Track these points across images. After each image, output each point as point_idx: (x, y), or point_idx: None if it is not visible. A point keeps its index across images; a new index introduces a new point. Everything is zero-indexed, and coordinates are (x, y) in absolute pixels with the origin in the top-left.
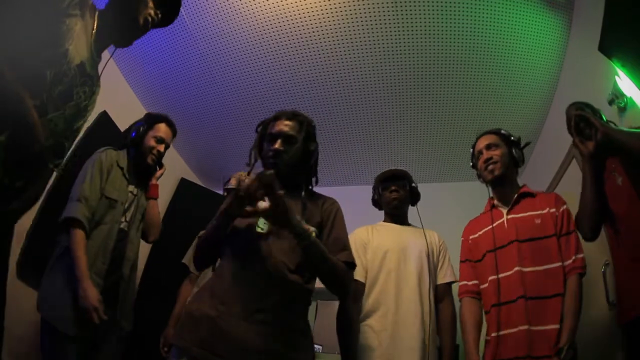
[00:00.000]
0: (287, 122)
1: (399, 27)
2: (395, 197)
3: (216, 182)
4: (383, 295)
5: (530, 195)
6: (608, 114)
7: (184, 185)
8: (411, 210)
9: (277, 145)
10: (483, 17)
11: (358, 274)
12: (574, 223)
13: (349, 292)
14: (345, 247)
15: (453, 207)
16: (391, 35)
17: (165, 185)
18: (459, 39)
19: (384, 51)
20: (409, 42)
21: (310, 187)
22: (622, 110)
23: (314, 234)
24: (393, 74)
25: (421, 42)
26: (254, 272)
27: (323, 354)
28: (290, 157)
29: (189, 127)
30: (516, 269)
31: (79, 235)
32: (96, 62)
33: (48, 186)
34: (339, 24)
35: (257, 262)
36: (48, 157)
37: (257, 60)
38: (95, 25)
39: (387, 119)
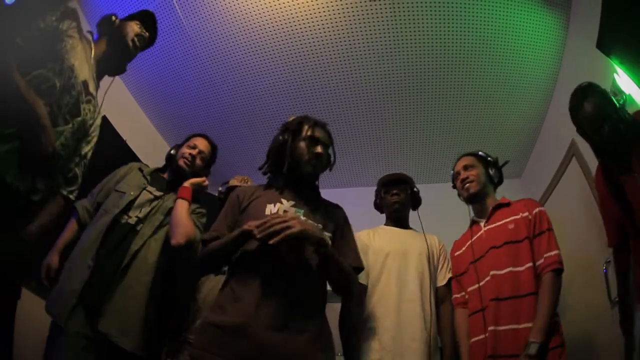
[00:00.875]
0: (324, 133)
1: (398, 29)
2: (397, 201)
3: (215, 185)
4: (385, 296)
5: (506, 205)
6: None
7: None
8: (412, 215)
9: (320, 150)
10: (481, 17)
11: (360, 276)
12: (547, 223)
13: (354, 294)
14: (355, 251)
15: (453, 207)
16: (391, 38)
17: None
18: (457, 39)
19: (383, 52)
20: (408, 44)
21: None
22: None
23: (329, 243)
24: (393, 75)
25: (421, 43)
26: (284, 279)
27: None
28: (323, 166)
29: (190, 130)
30: (492, 273)
31: (72, 223)
32: (96, 87)
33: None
34: (339, 28)
35: (285, 269)
36: (57, 179)
37: (257, 65)
38: (93, 53)
39: (388, 120)
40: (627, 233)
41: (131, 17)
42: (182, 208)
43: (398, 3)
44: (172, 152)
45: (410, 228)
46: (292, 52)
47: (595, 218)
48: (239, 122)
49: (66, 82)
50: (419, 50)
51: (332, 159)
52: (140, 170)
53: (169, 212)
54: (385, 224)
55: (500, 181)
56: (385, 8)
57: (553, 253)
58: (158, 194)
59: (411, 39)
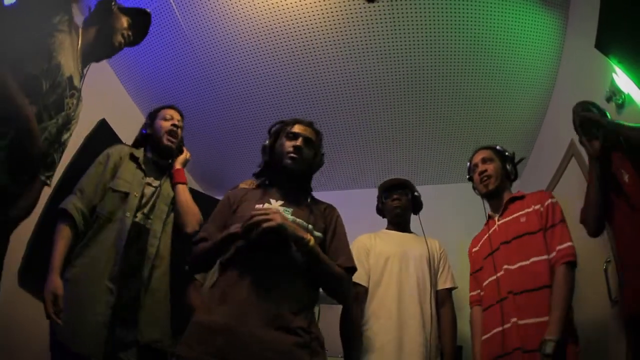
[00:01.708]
0: (306, 128)
1: (397, 30)
2: (398, 205)
3: (216, 188)
4: (385, 299)
5: (520, 198)
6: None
7: None
8: (414, 219)
9: (299, 143)
10: (479, 18)
11: (361, 278)
12: (560, 214)
13: (348, 297)
14: (346, 252)
15: (454, 208)
16: (390, 39)
17: None
18: (456, 40)
19: (382, 53)
20: (407, 45)
21: (310, 192)
22: (620, 107)
23: (312, 242)
24: (392, 76)
25: (419, 44)
26: (270, 279)
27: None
28: (305, 160)
29: (188, 133)
30: (505, 267)
31: (64, 230)
32: (80, 77)
33: (47, 197)
34: (339, 31)
35: (272, 269)
36: (38, 167)
37: (257, 67)
38: (79, 41)
39: (387, 121)
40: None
41: (126, 11)
42: (186, 194)
43: (397, 3)
44: (147, 131)
45: (412, 232)
46: (292, 53)
47: None
48: (241, 125)
49: (53, 81)
50: (417, 52)
51: (318, 157)
52: (134, 159)
53: (172, 200)
54: (387, 228)
55: (516, 177)
56: (385, 8)
57: (565, 245)
58: (156, 183)
59: (410, 40)
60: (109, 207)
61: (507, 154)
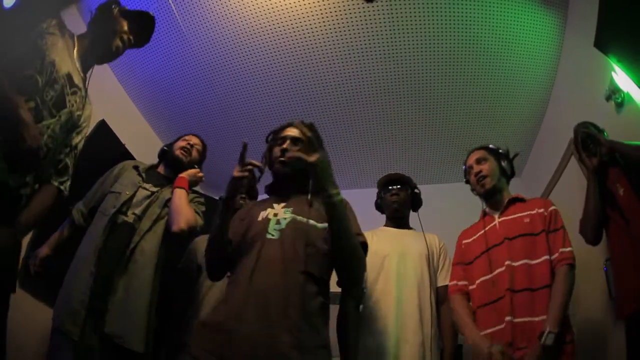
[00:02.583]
0: (293, 128)
1: (396, 29)
2: (395, 200)
3: (215, 189)
4: (383, 298)
5: (521, 200)
6: (605, 110)
7: None
8: (413, 217)
9: (285, 145)
10: (478, 18)
11: None
12: (561, 221)
13: (361, 275)
14: (359, 232)
15: (454, 208)
16: (389, 39)
17: None
18: (455, 40)
19: (381, 53)
20: (406, 45)
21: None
22: (620, 105)
23: (340, 197)
24: (391, 77)
25: (418, 44)
26: (267, 280)
27: None
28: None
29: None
30: (507, 263)
31: (66, 225)
32: (83, 79)
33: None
34: (338, 31)
35: (269, 269)
36: (47, 170)
37: (257, 68)
38: (76, 44)
39: (388, 121)
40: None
41: (126, 15)
42: (180, 196)
43: (396, 3)
44: (165, 148)
45: (411, 228)
46: (290, 53)
47: None
48: (242, 126)
49: (48, 77)
50: (417, 51)
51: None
52: (136, 168)
53: (166, 203)
54: (385, 225)
55: (512, 173)
56: (384, 8)
57: (568, 249)
58: (154, 189)
59: (409, 40)
60: (105, 206)
61: (500, 151)
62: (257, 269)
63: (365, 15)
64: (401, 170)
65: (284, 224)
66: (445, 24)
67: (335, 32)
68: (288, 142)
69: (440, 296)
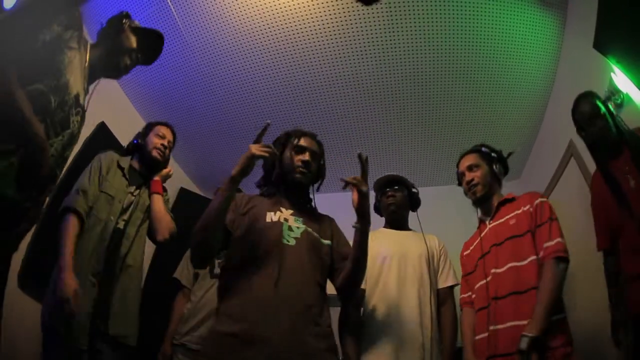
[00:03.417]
0: (313, 142)
1: (395, 31)
2: (392, 202)
3: (213, 190)
4: (383, 300)
5: (510, 200)
6: None
7: (183, 194)
8: (412, 217)
9: (307, 157)
10: (477, 19)
11: None
12: (549, 212)
13: (361, 283)
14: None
15: (454, 209)
16: (388, 40)
17: None
18: (453, 41)
19: (381, 54)
20: (405, 46)
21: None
22: (619, 106)
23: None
24: (390, 78)
25: (418, 45)
26: (292, 288)
27: None
28: (312, 173)
29: (187, 136)
30: (492, 271)
31: (72, 221)
32: (86, 94)
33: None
34: (336, 34)
35: (293, 278)
36: (48, 183)
37: (255, 70)
38: (87, 58)
39: (386, 123)
40: (616, 237)
41: (137, 31)
42: (160, 203)
43: (394, 5)
44: (139, 141)
45: (410, 229)
46: (288, 56)
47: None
48: (239, 127)
49: (61, 99)
50: (416, 53)
51: (323, 170)
52: (120, 168)
53: (147, 208)
54: (384, 227)
55: (506, 172)
56: (382, 10)
57: (553, 242)
58: (135, 192)
59: (408, 41)
60: (99, 209)
61: (493, 154)
62: (282, 277)
63: (362, 18)
64: (400, 172)
65: (297, 233)
66: (445, 25)
67: (333, 34)
68: (308, 154)
69: (441, 297)
